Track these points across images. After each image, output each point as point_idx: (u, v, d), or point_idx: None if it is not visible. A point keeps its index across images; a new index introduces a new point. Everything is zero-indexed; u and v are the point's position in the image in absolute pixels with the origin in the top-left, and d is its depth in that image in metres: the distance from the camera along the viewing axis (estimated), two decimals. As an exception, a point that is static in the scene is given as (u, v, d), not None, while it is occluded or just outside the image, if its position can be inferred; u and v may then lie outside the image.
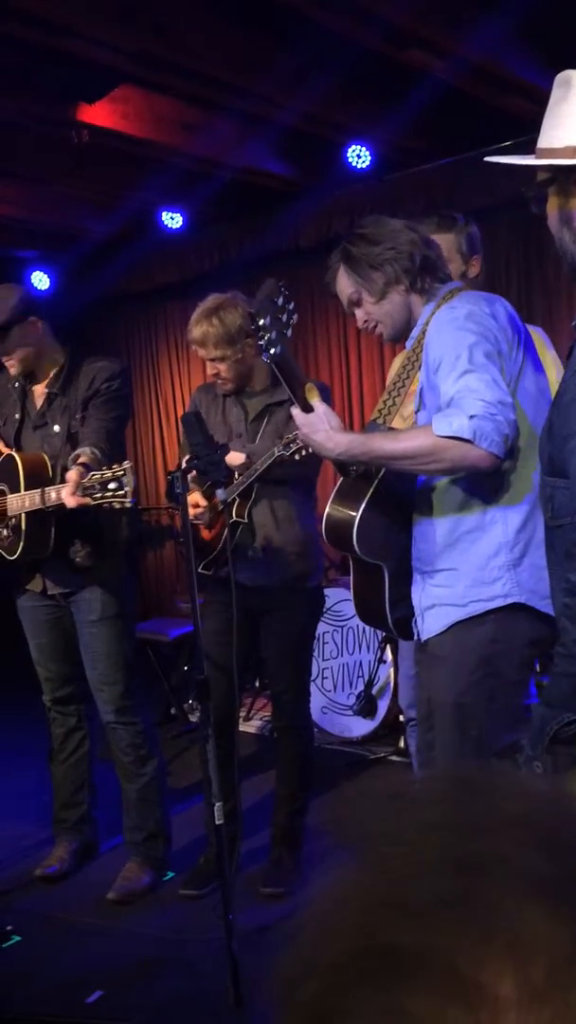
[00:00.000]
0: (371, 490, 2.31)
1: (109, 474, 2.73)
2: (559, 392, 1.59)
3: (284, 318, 2.18)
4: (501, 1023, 0.38)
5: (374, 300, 2.32)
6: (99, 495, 2.74)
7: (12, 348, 3.23)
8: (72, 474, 2.82)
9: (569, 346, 1.62)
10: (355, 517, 2.29)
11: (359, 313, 2.38)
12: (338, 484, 2.39)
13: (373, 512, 2.30)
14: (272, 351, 2.17)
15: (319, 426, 2.17)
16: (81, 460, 2.92)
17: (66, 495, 2.81)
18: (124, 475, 2.71)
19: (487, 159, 1.74)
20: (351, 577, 2.48)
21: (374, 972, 0.40)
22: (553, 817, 0.45)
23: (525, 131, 3.97)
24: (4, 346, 3.23)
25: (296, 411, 2.22)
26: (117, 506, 2.74)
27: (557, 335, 5.04)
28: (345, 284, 2.36)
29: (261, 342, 2.18)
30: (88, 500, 2.76)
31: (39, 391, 3.33)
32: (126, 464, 2.74)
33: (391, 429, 2.37)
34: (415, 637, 2.33)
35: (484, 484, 2.14)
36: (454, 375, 2.06)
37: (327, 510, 2.37)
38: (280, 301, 2.18)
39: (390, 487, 2.31)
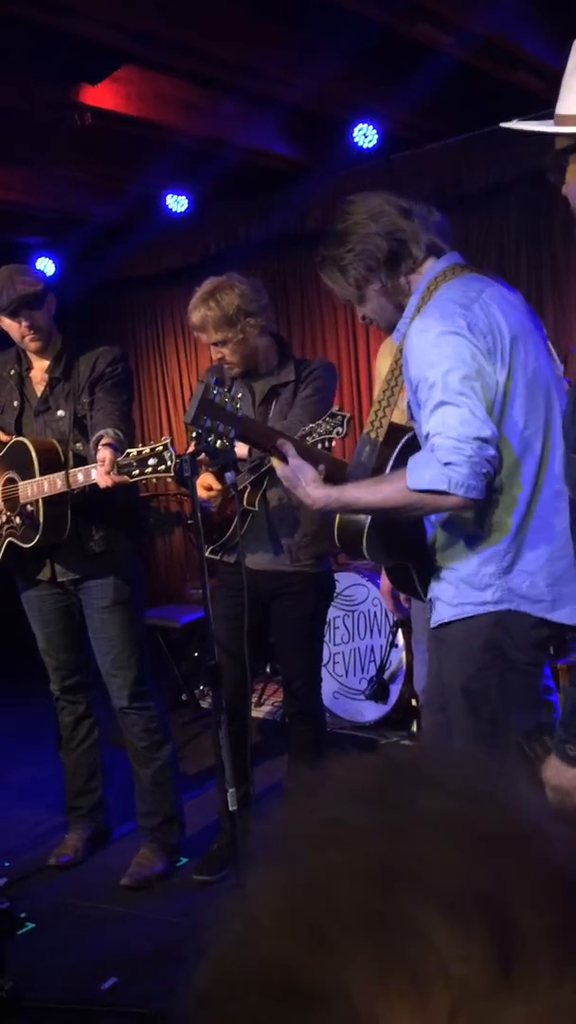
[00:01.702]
0: None
1: (147, 450, 2.74)
2: None
3: (228, 403, 2.24)
4: None
5: (356, 302, 2.28)
6: (137, 472, 2.75)
7: (42, 321, 3.20)
8: (106, 454, 2.81)
9: None
10: (364, 526, 2.24)
11: (358, 311, 2.35)
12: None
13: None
14: (229, 438, 2.26)
15: (295, 482, 2.19)
16: (105, 441, 2.91)
17: (100, 475, 2.81)
18: (165, 450, 2.73)
19: (503, 124, 1.70)
20: None
21: (272, 1012, 0.36)
22: (483, 812, 0.39)
23: (535, 108, 3.91)
24: (34, 317, 3.17)
25: (278, 464, 2.23)
26: (155, 480, 2.78)
27: (567, 315, 5.00)
28: (333, 288, 2.32)
29: (208, 441, 2.24)
30: (125, 478, 2.76)
31: (37, 377, 3.30)
32: (165, 439, 2.75)
33: (392, 429, 2.31)
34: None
35: (470, 512, 2.10)
36: (429, 406, 2.01)
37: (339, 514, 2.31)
38: (215, 396, 2.24)
39: None
